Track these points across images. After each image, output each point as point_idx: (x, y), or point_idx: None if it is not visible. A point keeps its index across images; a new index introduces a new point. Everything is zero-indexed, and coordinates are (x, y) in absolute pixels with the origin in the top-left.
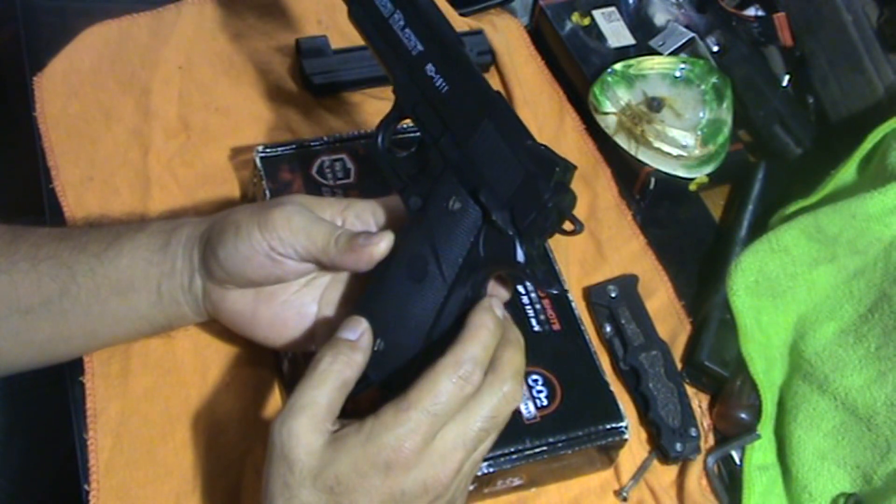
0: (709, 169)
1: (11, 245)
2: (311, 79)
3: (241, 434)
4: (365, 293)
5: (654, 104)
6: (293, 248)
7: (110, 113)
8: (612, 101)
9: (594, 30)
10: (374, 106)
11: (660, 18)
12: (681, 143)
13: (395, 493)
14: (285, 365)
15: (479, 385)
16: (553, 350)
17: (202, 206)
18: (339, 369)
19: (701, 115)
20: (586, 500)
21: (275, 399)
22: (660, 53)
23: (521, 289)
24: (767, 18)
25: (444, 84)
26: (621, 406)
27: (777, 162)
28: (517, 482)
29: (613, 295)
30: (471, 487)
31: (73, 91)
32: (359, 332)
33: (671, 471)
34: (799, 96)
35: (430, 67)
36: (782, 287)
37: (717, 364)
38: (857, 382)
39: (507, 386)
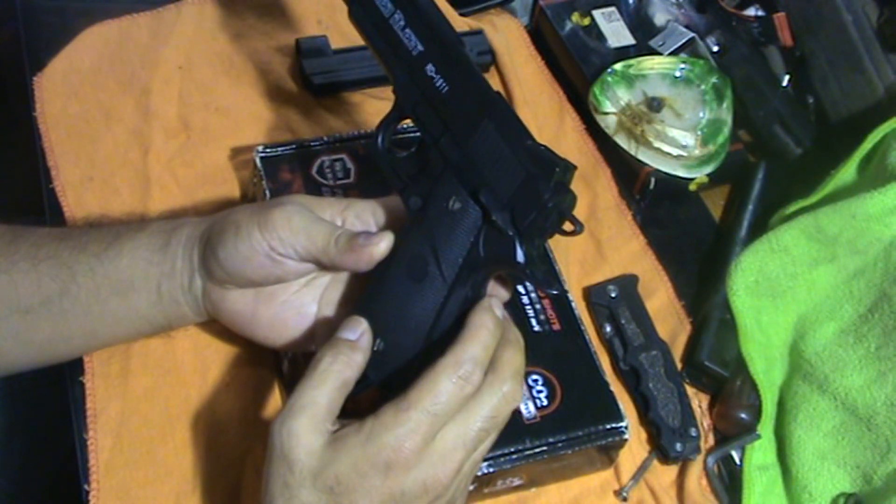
0: (709, 169)
1: (11, 245)
2: (311, 79)
3: (241, 434)
4: (365, 293)
5: (654, 104)
6: (293, 248)
7: (110, 113)
8: (612, 101)
9: (594, 30)
10: (374, 106)
11: (660, 18)
12: (681, 143)
13: (394, 493)
14: (285, 365)
15: (478, 385)
16: (553, 350)
17: (202, 206)
18: (338, 369)
19: (701, 115)
20: (586, 500)
21: (275, 399)
22: (660, 53)
23: (521, 289)
24: (767, 18)
25: (444, 84)
26: (621, 406)
27: (777, 162)
28: (517, 482)
29: (613, 295)
30: (471, 487)
31: (73, 91)
32: (358, 332)
33: (671, 471)
34: (799, 96)
35: (430, 67)
36: (782, 287)
37: (717, 364)
38: (857, 382)
39: (507, 386)
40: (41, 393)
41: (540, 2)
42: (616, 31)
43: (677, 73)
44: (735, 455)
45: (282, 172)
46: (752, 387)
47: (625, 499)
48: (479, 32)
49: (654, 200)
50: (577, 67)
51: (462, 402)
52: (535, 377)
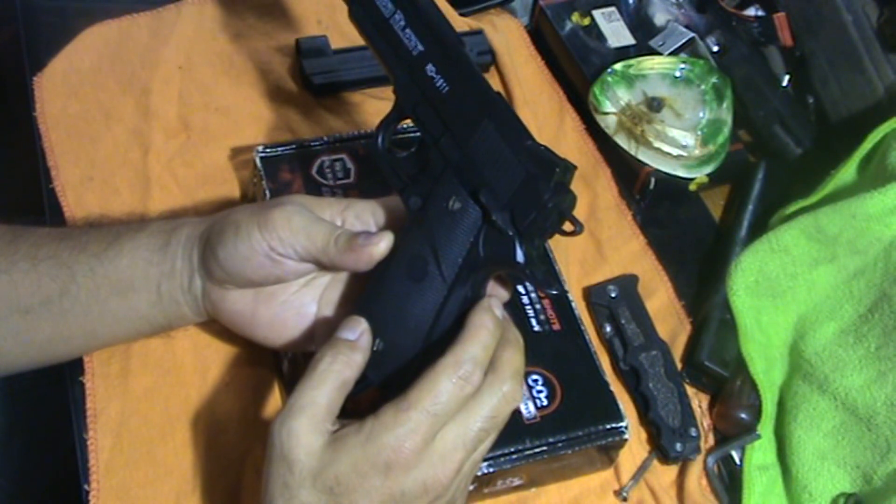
0: (709, 169)
1: (11, 245)
2: (311, 79)
3: (241, 434)
4: (364, 293)
5: (654, 104)
6: (293, 248)
7: (110, 113)
8: (612, 101)
9: (594, 30)
10: (374, 106)
11: (660, 18)
12: (681, 143)
13: (394, 493)
14: (285, 365)
15: (478, 385)
16: (553, 350)
17: (202, 206)
18: (338, 369)
19: (701, 115)
20: (586, 500)
21: (275, 399)
22: (660, 53)
23: (521, 289)
24: (767, 18)
25: (444, 84)
26: (621, 406)
27: (777, 162)
28: (517, 482)
29: (613, 295)
30: (471, 487)
31: (73, 91)
32: (358, 332)
33: (671, 471)
34: (799, 96)
35: (430, 67)
36: (782, 287)
37: (717, 364)
38: (857, 382)
39: (507, 386)
40: (41, 393)
41: (540, 2)
42: (616, 31)
43: (677, 73)
44: (735, 455)
45: (282, 172)
46: (752, 387)
47: (625, 499)
48: (479, 32)
49: (654, 200)
50: (577, 67)
51: (462, 403)
52: (535, 377)
